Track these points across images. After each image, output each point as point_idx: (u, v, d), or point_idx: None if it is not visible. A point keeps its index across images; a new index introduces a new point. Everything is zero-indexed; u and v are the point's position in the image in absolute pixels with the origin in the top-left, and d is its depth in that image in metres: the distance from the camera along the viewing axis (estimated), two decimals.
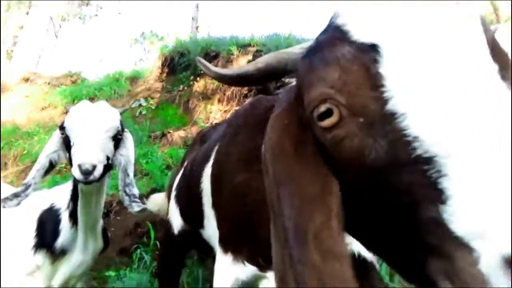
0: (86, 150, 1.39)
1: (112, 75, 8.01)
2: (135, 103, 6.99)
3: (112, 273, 2.61)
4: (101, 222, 1.83)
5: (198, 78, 7.02)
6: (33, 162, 4.99)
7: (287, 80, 6.80)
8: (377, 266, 1.15)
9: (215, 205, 1.21)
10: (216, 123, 2.38)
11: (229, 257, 1.11)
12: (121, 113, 1.63)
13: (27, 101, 7.51)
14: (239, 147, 1.10)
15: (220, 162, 1.19)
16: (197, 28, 15.39)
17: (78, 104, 1.58)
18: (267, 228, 0.61)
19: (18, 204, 1.47)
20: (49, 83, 7.86)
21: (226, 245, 1.14)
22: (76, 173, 1.37)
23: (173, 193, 1.73)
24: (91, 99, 7.12)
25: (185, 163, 1.78)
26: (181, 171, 1.77)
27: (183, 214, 1.65)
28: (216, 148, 1.27)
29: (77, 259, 1.73)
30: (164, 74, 7.62)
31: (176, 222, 1.69)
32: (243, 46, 6.71)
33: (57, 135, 1.60)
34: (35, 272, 1.64)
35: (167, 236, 1.82)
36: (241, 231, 1.08)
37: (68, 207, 1.71)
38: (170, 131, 5.72)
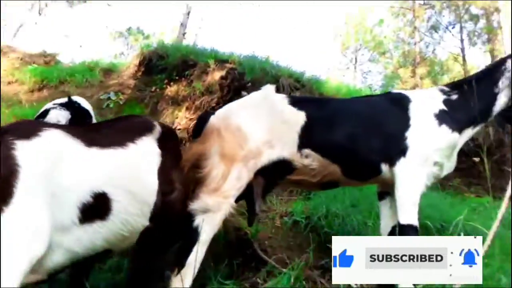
0: None
1: (87, 63, 8.01)
2: (104, 95, 7.02)
3: None
4: None
5: (171, 83, 7.15)
6: None
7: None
8: None
9: None
10: None
11: None
12: None
13: None
14: None
15: None
16: (183, 34, 15.58)
17: None
18: None
19: None
20: (21, 59, 7.76)
21: None
22: None
23: None
24: (61, 83, 7.10)
25: None
26: None
27: None
28: None
29: None
30: (140, 73, 7.71)
31: None
32: (221, 61, 6.95)
33: None
34: None
35: None
36: None
37: None
38: None
